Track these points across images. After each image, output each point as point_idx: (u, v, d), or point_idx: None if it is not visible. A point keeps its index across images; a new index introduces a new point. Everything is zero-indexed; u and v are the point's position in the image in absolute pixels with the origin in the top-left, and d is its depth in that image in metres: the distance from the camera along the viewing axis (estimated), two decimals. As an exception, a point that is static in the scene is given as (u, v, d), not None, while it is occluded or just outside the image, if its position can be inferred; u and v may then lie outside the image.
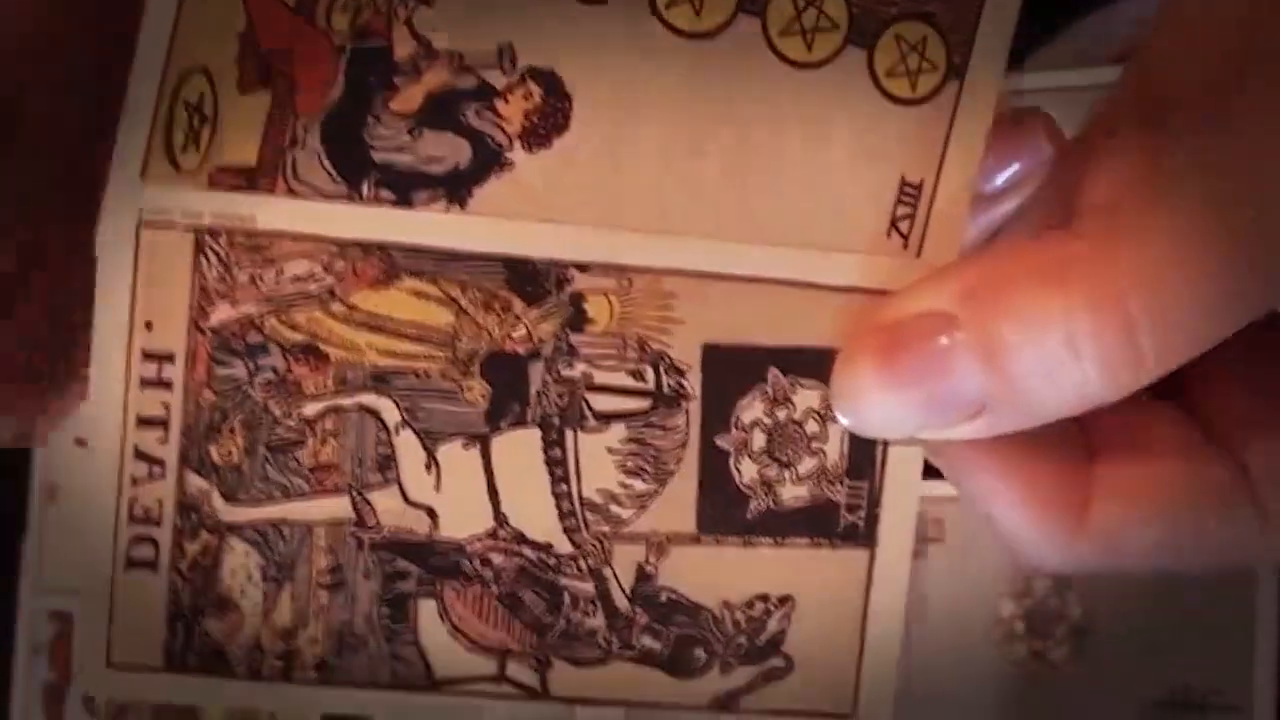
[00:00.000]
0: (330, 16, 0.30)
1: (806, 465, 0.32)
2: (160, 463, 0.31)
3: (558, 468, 0.32)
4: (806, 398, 0.32)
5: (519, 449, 0.32)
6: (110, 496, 0.31)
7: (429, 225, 0.31)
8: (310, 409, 0.31)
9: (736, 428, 0.32)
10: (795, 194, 0.31)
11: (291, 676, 0.32)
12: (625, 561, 0.32)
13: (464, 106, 0.31)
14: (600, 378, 0.32)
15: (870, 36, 0.31)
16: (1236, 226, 0.27)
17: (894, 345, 0.30)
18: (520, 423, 0.32)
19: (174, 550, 0.32)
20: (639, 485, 0.32)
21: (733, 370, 0.32)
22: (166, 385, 0.31)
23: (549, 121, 0.31)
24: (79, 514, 0.31)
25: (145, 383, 0.31)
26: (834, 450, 0.32)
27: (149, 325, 0.31)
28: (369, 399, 0.31)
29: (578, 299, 0.31)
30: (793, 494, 0.32)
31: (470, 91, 0.31)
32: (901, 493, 0.32)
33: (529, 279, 0.31)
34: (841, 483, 0.32)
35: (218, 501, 0.32)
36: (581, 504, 0.32)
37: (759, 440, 0.32)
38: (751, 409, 0.32)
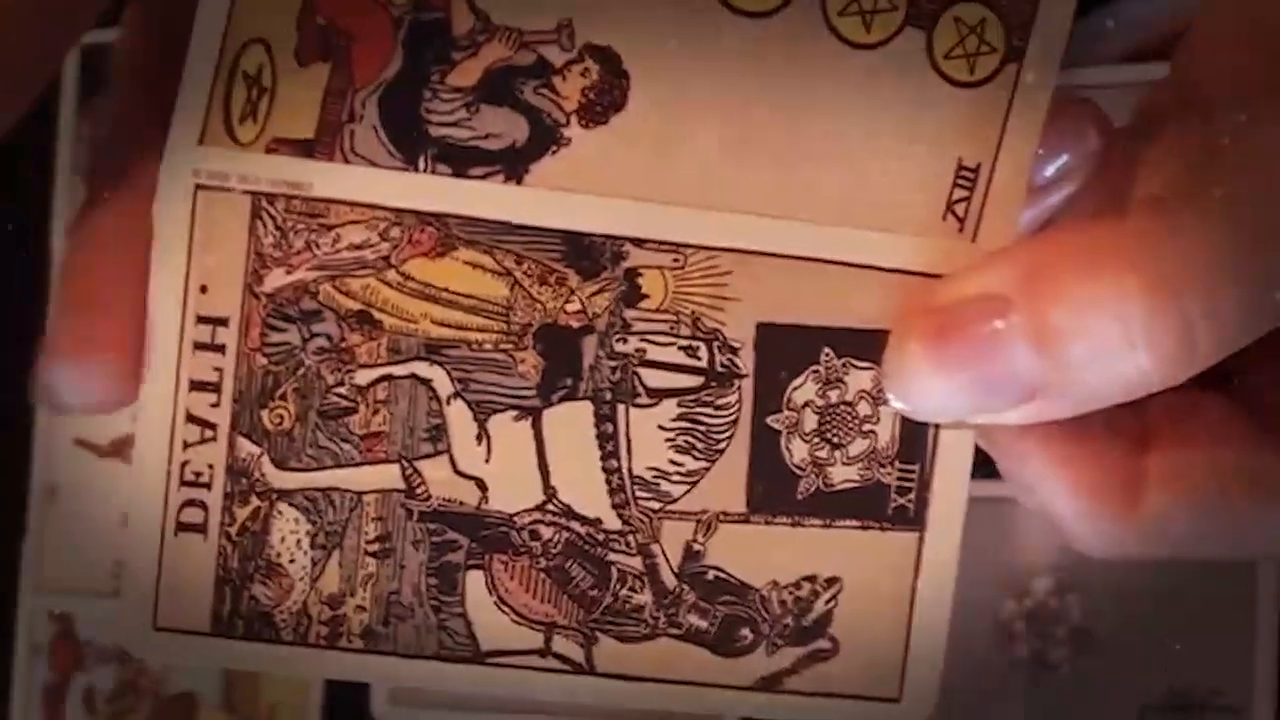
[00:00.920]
0: None
1: (857, 447, 0.32)
2: (212, 426, 0.31)
3: (608, 443, 0.32)
4: (859, 379, 0.32)
5: (570, 423, 0.32)
6: (162, 460, 0.31)
7: (486, 197, 0.31)
8: (363, 377, 0.31)
9: (788, 407, 0.32)
10: (851, 175, 0.31)
11: (337, 644, 0.32)
12: (674, 539, 0.32)
13: (521, 83, 0.31)
14: (653, 354, 0.32)
15: (929, 18, 0.31)
16: None
17: (947, 328, 0.30)
18: (572, 396, 0.32)
19: (224, 515, 0.32)
20: (689, 463, 0.32)
21: (786, 350, 0.32)
22: (220, 350, 0.31)
23: (606, 99, 0.31)
24: (131, 479, 0.31)
25: (199, 346, 0.31)
26: (885, 432, 0.32)
27: (204, 289, 0.31)
28: (422, 368, 0.31)
29: (632, 274, 0.31)
30: (843, 475, 0.32)
31: (528, 68, 0.31)
32: (952, 476, 0.32)
33: (584, 253, 0.31)
34: (892, 465, 0.32)
35: (268, 467, 0.31)
36: (631, 480, 0.32)
37: (810, 421, 0.32)
38: (804, 389, 0.32)
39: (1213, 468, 0.31)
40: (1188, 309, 0.27)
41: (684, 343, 0.32)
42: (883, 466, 0.32)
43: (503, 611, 0.32)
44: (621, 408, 0.32)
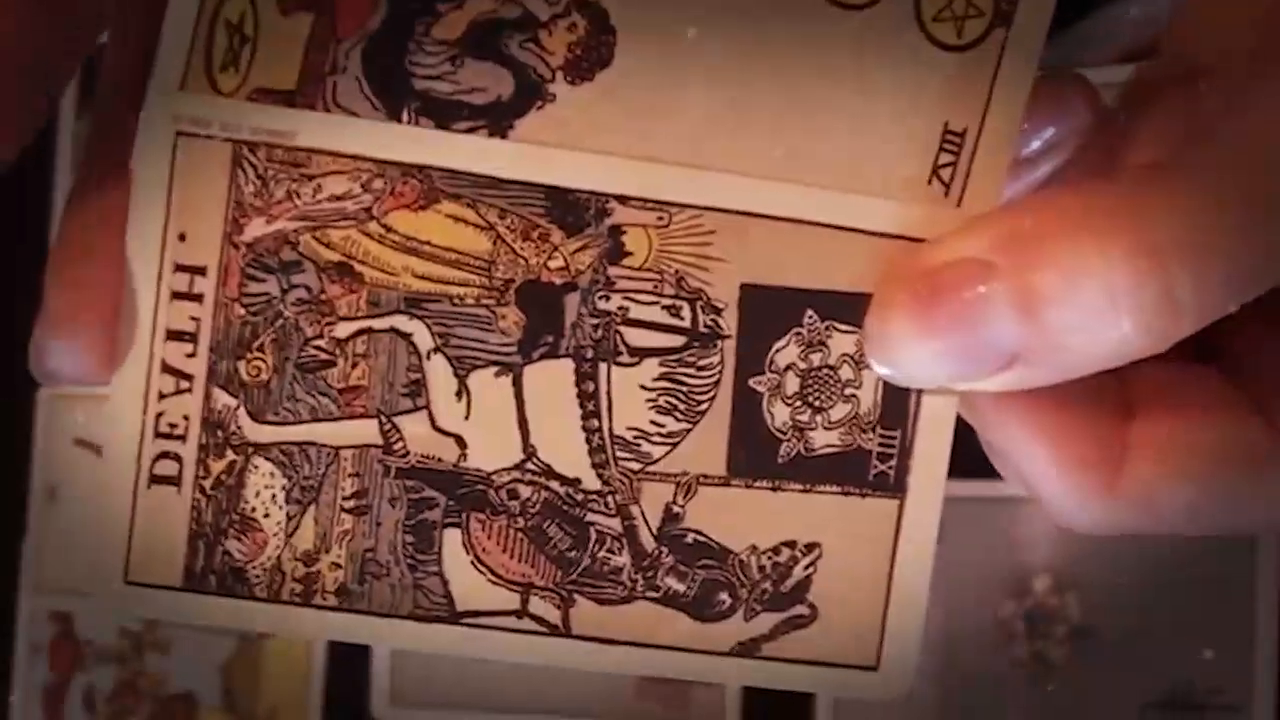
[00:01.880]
0: None
1: (839, 411, 0.32)
2: (188, 377, 0.31)
3: (589, 401, 0.31)
4: (842, 342, 0.32)
5: (551, 380, 0.31)
6: (136, 409, 0.31)
7: (470, 150, 0.31)
8: (342, 329, 0.31)
9: (770, 370, 0.32)
10: (837, 138, 0.31)
11: (311, 601, 0.32)
12: (653, 501, 0.32)
13: (507, 36, 0.31)
14: (636, 312, 0.31)
15: None
16: (1270, 187, 0.27)
17: (929, 292, 0.29)
18: (553, 354, 0.31)
19: (198, 468, 0.31)
20: (670, 423, 0.32)
21: (769, 311, 0.31)
22: (197, 299, 0.31)
23: (592, 55, 0.30)
24: (104, 429, 0.31)
25: (176, 295, 0.31)
26: (867, 397, 0.32)
27: (182, 237, 0.30)
28: (402, 322, 0.31)
29: (616, 231, 0.31)
30: (824, 440, 0.32)
31: (514, 21, 0.31)
32: (934, 444, 0.32)
33: (568, 209, 0.31)
34: (874, 431, 0.32)
35: (244, 420, 0.31)
36: (612, 440, 0.32)
37: (792, 384, 0.32)
38: (786, 351, 0.32)
39: (1198, 438, 0.30)
40: (1173, 275, 0.27)
41: (667, 302, 0.31)
42: (864, 432, 0.32)
43: (479, 571, 0.32)
44: (603, 366, 0.31)
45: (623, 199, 0.31)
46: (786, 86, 0.31)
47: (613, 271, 0.31)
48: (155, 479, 0.31)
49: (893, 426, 0.32)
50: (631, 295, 0.31)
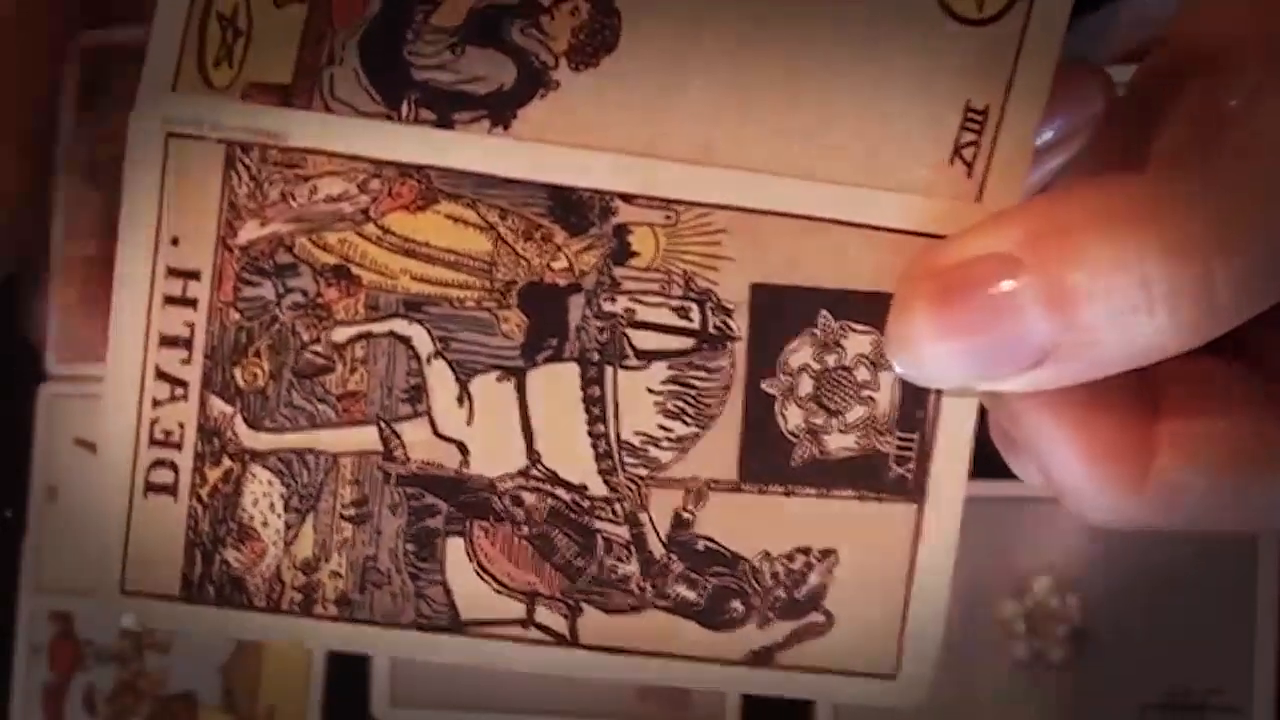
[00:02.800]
0: None
1: (855, 414, 0.31)
2: (183, 384, 0.30)
3: (595, 406, 0.31)
4: (858, 343, 0.31)
5: (555, 385, 0.30)
6: (130, 417, 0.30)
7: (469, 148, 0.30)
8: (340, 334, 0.30)
9: (783, 372, 0.31)
10: (855, 119, 0.30)
11: (311, 611, 0.31)
12: (662, 507, 0.31)
13: (508, 23, 0.30)
14: (643, 314, 0.30)
15: None
16: None
17: (953, 289, 0.28)
18: (558, 357, 0.30)
19: (194, 476, 0.30)
20: (679, 428, 0.31)
21: (781, 312, 0.31)
22: (191, 304, 0.30)
23: (597, 39, 0.29)
24: (98, 438, 0.30)
25: (169, 300, 0.30)
26: (884, 399, 0.31)
27: (175, 241, 0.30)
28: (401, 326, 0.30)
29: (622, 231, 0.30)
30: (840, 443, 0.31)
31: (515, 7, 0.30)
32: (953, 446, 0.31)
33: (572, 208, 0.30)
34: (891, 433, 0.31)
35: (241, 427, 0.30)
36: (619, 445, 0.31)
37: (806, 386, 0.31)
38: (800, 353, 0.31)
39: (1225, 434, 0.29)
40: (1211, 268, 0.26)
41: (675, 303, 0.30)
42: (881, 435, 0.31)
43: (483, 580, 0.31)
44: (609, 370, 0.31)
45: (628, 197, 0.30)
46: (799, 65, 0.29)
47: (618, 272, 0.30)
48: (151, 487, 0.30)
49: (911, 429, 0.31)
50: (638, 296, 0.30)
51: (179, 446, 0.30)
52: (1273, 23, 0.28)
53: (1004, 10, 0.29)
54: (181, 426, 0.30)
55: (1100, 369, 0.28)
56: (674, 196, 0.30)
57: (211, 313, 0.30)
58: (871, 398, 0.31)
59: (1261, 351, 0.31)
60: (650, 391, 0.31)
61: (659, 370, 0.31)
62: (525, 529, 0.31)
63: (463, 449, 0.31)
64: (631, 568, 0.31)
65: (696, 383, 0.31)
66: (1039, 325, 0.27)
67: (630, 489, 0.31)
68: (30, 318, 0.67)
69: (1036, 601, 0.67)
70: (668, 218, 0.30)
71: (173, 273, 0.30)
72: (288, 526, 0.31)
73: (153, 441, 0.30)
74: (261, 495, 0.31)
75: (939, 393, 0.31)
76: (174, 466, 0.30)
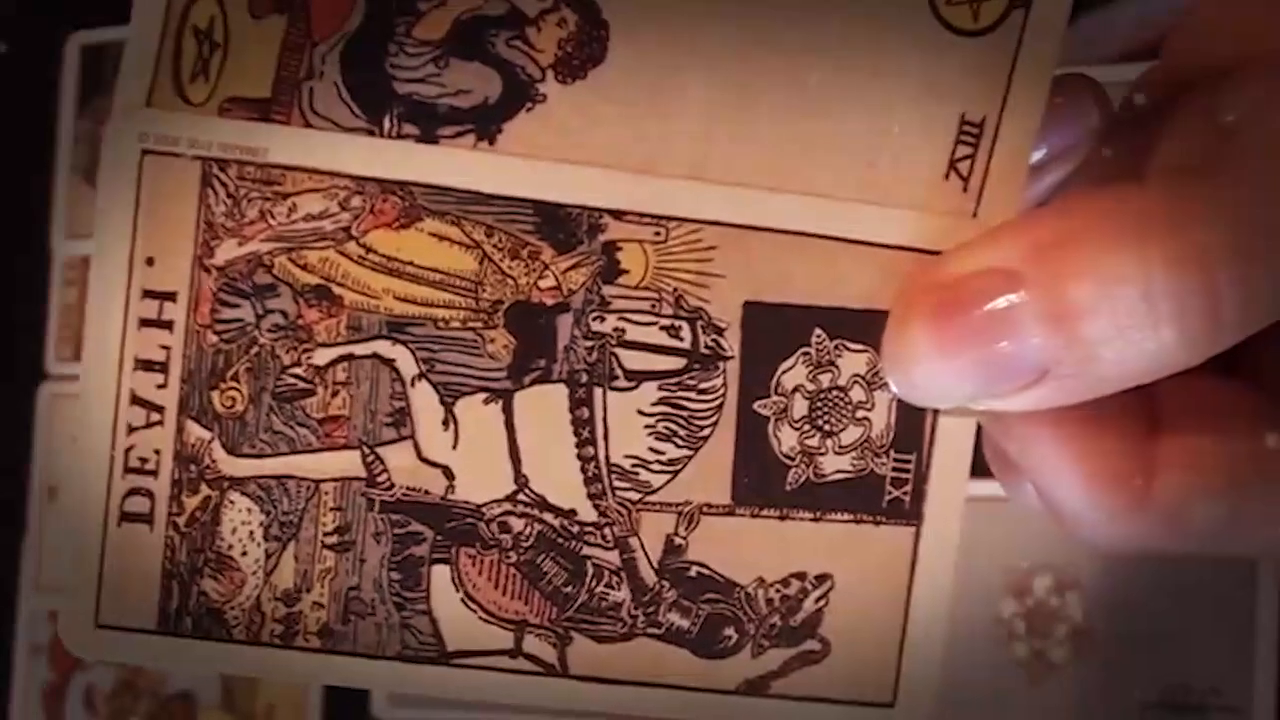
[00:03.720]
0: None
1: (850, 435, 0.30)
2: (159, 409, 0.29)
3: (584, 428, 0.30)
4: (853, 362, 0.30)
5: (543, 407, 0.30)
6: (104, 444, 0.29)
7: (453, 164, 0.29)
8: (321, 356, 0.29)
9: (777, 392, 0.30)
10: (848, 133, 0.29)
11: (293, 643, 0.30)
12: (653, 532, 0.30)
13: (493, 34, 0.29)
14: (633, 333, 0.30)
15: None
16: None
17: (951, 305, 0.28)
18: (546, 379, 0.30)
19: (171, 504, 0.29)
20: (670, 450, 0.30)
21: (775, 330, 0.30)
22: (167, 326, 0.29)
23: (584, 51, 0.29)
24: (70, 465, 0.29)
25: (144, 323, 0.29)
26: (880, 420, 0.30)
27: (150, 261, 0.29)
28: (384, 348, 0.29)
29: (611, 248, 0.29)
30: (835, 465, 0.30)
31: (500, 18, 0.29)
32: (951, 468, 0.30)
33: (559, 225, 0.29)
34: (887, 455, 0.30)
35: (219, 453, 0.29)
36: (609, 468, 0.30)
37: (800, 407, 0.30)
38: (793, 373, 0.30)
39: (1229, 452, 0.29)
40: (1216, 281, 0.26)
41: (666, 322, 0.30)
42: (877, 456, 0.30)
43: (470, 609, 0.30)
44: (598, 391, 0.30)
45: (617, 214, 0.29)
46: (793, 78, 0.29)
47: (607, 291, 0.29)
48: (126, 517, 0.29)
49: (907, 450, 0.30)
50: (628, 315, 0.30)
51: (155, 474, 0.29)
52: (1273, 38, 0.28)
53: (999, 21, 0.28)
54: (157, 453, 0.29)
55: (1102, 386, 0.27)
56: (664, 213, 0.29)
57: (188, 335, 0.29)
58: (867, 419, 0.30)
59: (1261, 369, 0.30)
60: (640, 413, 0.30)
61: (649, 391, 0.30)
62: (513, 556, 0.30)
63: (448, 474, 0.30)
64: (622, 595, 0.30)
65: (688, 404, 0.30)
66: (1039, 341, 0.27)
67: (620, 513, 0.30)
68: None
69: (1037, 601, 0.67)
70: (657, 234, 0.29)
71: (148, 294, 0.29)
72: (268, 555, 0.30)
73: (128, 469, 0.29)
74: (240, 523, 0.30)
75: (936, 413, 0.30)
76: (150, 494, 0.29)
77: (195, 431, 0.29)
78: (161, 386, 0.29)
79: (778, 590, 0.31)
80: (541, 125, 0.29)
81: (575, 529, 0.30)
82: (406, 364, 0.29)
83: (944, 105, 0.29)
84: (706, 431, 0.30)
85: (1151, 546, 0.29)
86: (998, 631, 0.67)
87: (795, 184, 0.29)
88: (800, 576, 0.31)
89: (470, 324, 0.29)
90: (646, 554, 0.30)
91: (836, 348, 0.30)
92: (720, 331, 0.30)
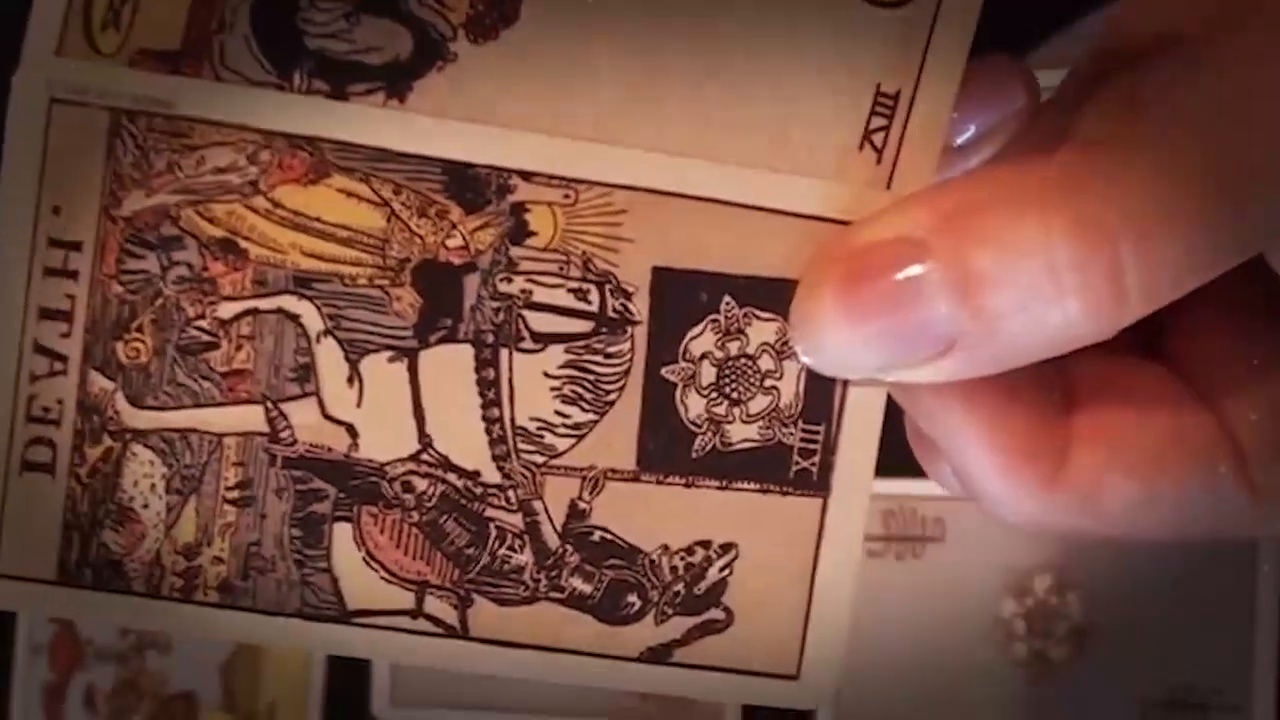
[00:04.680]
0: None
1: (758, 404, 0.30)
2: (62, 359, 0.29)
3: (489, 389, 0.30)
4: (762, 331, 0.30)
5: (448, 367, 0.29)
6: (7, 393, 0.29)
7: (363, 120, 0.29)
8: (226, 310, 0.29)
9: (684, 359, 0.30)
10: (761, 102, 0.29)
11: (192, 597, 0.30)
12: (558, 496, 0.30)
13: None
14: (540, 295, 0.29)
15: None
16: (1224, 163, 0.26)
17: (859, 274, 0.27)
18: (451, 338, 0.29)
19: (73, 454, 0.29)
20: (576, 414, 0.30)
21: (684, 296, 0.30)
22: (72, 275, 0.29)
23: (496, 11, 0.28)
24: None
25: (49, 272, 0.29)
26: (789, 389, 0.30)
27: (56, 210, 0.29)
28: (290, 303, 0.29)
29: (519, 209, 0.29)
30: (742, 434, 0.30)
31: None
32: (860, 439, 0.30)
33: (468, 184, 0.29)
34: (795, 425, 0.30)
35: (122, 404, 0.29)
36: (513, 430, 0.30)
37: (708, 374, 0.30)
38: (702, 339, 0.30)
39: (1145, 432, 0.28)
40: (1118, 250, 0.25)
41: (573, 285, 0.29)
42: (785, 426, 0.30)
43: (371, 568, 0.30)
44: (504, 352, 0.29)
45: (526, 175, 0.29)
46: (706, 44, 0.28)
47: (515, 252, 0.29)
48: (27, 465, 0.29)
49: (816, 421, 0.30)
50: (535, 277, 0.29)
51: (57, 423, 0.29)
52: (1189, 24, 0.27)
53: None
54: (60, 403, 0.29)
55: (1009, 359, 0.27)
56: (573, 175, 0.29)
57: (93, 285, 0.29)
58: (775, 388, 0.30)
59: (1181, 350, 0.30)
60: (547, 376, 0.30)
61: (556, 354, 0.30)
62: (415, 516, 0.30)
63: (352, 431, 0.30)
64: (525, 558, 0.30)
65: (594, 368, 0.30)
66: (945, 311, 0.26)
67: (525, 476, 0.30)
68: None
69: (1037, 601, 0.67)
70: (566, 197, 0.29)
71: (53, 243, 0.29)
72: (169, 509, 0.30)
73: (30, 418, 0.29)
74: (142, 476, 0.30)
75: (846, 384, 0.30)
76: (52, 444, 0.29)
77: (99, 382, 0.29)
78: (65, 336, 0.29)
79: (682, 558, 0.30)
80: (452, 85, 0.29)
81: (479, 490, 0.30)
82: (312, 320, 0.29)
83: (859, 76, 0.29)
84: (613, 396, 0.30)
85: (1065, 527, 0.29)
86: (998, 631, 0.67)
87: (704, 150, 0.29)
88: (705, 545, 0.30)
89: (377, 281, 0.29)
90: (550, 518, 0.30)
91: (746, 316, 0.30)
92: (628, 296, 0.29)
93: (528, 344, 0.30)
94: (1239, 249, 0.26)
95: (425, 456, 0.30)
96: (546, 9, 0.28)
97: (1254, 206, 0.26)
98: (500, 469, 0.30)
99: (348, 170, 0.29)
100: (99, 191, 0.29)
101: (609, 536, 0.30)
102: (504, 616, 0.30)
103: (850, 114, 0.29)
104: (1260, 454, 0.28)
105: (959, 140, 0.31)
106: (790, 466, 0.30)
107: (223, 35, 0.28)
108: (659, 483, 0.30)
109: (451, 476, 0.30)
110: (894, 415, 0.30)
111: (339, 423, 0.30)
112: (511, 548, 0.30)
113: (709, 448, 0.30)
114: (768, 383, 0.30)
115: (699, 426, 0.30)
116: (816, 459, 0.30)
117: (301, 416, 0.30)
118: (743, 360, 0.30)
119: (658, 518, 0.30)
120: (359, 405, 0.30)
